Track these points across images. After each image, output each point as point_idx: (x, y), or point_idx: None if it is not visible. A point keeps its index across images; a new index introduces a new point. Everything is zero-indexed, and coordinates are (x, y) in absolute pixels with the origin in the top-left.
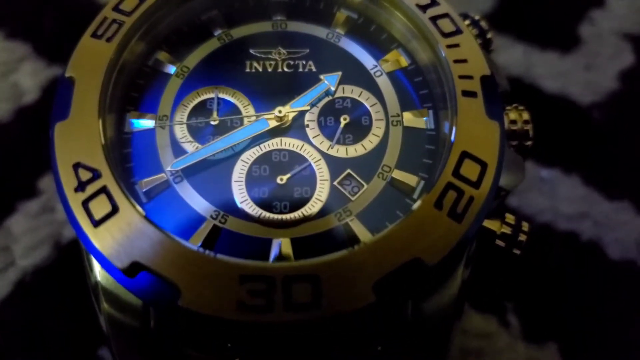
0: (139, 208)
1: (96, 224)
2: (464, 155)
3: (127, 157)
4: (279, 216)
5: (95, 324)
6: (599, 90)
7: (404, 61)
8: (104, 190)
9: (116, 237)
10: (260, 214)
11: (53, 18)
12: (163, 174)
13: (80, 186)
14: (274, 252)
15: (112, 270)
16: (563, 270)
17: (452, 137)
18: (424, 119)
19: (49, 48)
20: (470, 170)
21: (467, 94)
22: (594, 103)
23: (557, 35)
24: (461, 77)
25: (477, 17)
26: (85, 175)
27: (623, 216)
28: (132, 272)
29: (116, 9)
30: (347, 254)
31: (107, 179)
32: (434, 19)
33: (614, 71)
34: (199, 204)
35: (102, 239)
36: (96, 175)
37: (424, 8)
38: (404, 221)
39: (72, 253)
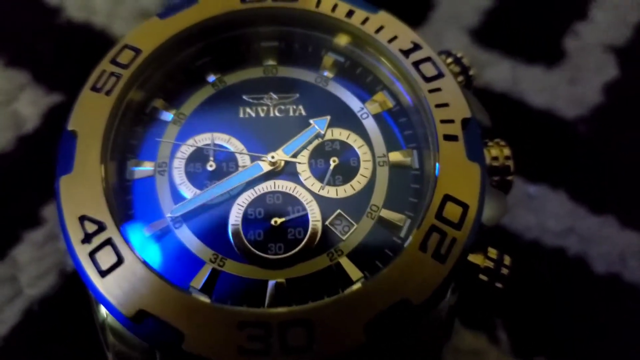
0: (143, 258)
1: (103, 274)
2: (447, 198)
3: (129, 204)
4: (274, 257)
5: (102, 354)
6: (584, 104)
7: (389, 103)
8: (109, 242)
9: (122, 287)
10: (257, 256)
11: (50, 44)
12: (164, 220)
13: (87, 238)
14: (269, 293)
15: (119, 317)
16: (551, 285)
17: (435, 182)
18: (409, 158)
19: (48, 75)
20: (452, 212)
21: (449, 137)
22: (579, 117)
23: (543, 49)
24: (443, 121)
25: (459, 55)
26: (91, 227)
27: (608, 230)
28: (138, 319)
29: (113, 61)
30: (338, 298)
31: (112, 231)
32: (416, 64)
33: (599, 84)
34: (198, 248)
35: (109, 288)
36: (101, 227)
37: (406, 53)
38: (392, 264)
39: (78, 282)
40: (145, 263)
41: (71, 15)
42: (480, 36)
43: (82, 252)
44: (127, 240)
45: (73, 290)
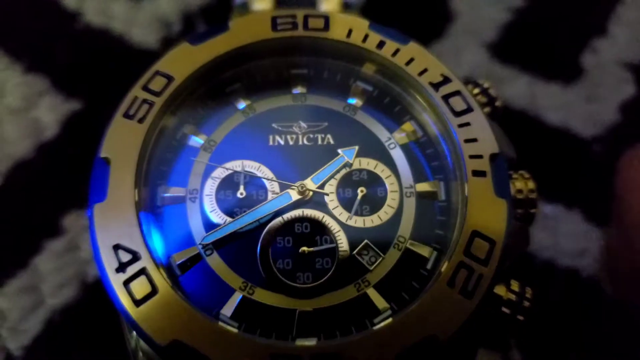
0: (176, 289)
1: (137, 303)
2: (474, 234)
3: (160, 231)
4: (303, 286)
5: None
6: (600, 122)
7: (417, 133)
8: (143, 271)
9: (156, 316)
10: (285, 285)
11: (69, 49)
12: (195, 247)
13: (121, 267)
14: (297, 322)
15: (152, 345)
16: (565, 306)
17: (464, 218)
18: (436, 190)
19: (67, 81)
20: (479, 248)
21: (477, 173)
22: (594, 137)
23: (561, 66)
24: (471, 156)
25: (486, 85)
26: (125, 256)
27: None
28: (172, 348)
29: (145, 88)
30: (367, 333)
31: (147, 261)
32: (446, 97)
33: (616, 102)
34: (228, 276)
35: (143, 317)
36: (135, 257)
37: (436, 86)
38: (420, 300)
39: (99, 291)
40: (178, 293)
41: (89, 20)
42: (499, 51)
43: (116, 281)
44: (160, 270)
45: (94, 300)
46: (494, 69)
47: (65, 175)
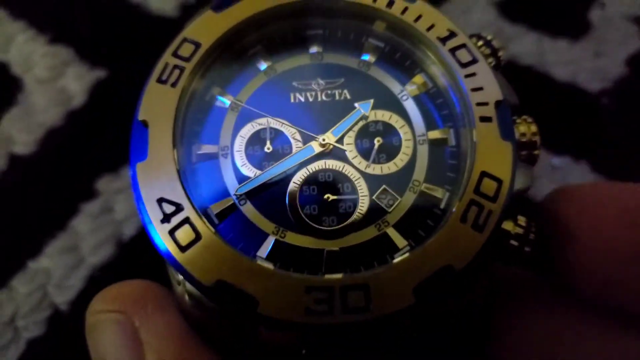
0: (217, 233)
1: (183, 249)
2: (483, 174)
3: (197, 185)
4: (328, 228)
5: None
6: (607, 76)
7: (427, 85)
8: (187, 221)
9: (201, 260)
10: (312, 228)
11: (89, 20)
12: (230, 198)
13: (166, 218)
14: (325, 260)
15: (199, 287)
16: None
17: (473, 160)
18: (447, 137)
19: (90, 50)
20: (488, 187)
21: (484, 119)
22: (602, 90)
23: (568, 22)
24: (478, 104)
25: (489, 37)
26: (169, 208)
27: None
28: (217, 288)
29: (175, 55)
30: (390, 265)
31: (189, 211)
32: (452, 51)
33: (623, 56)
34: (261, 222)
35: (189, 262)
36: (179, 208)
37: (443, 40)
38: (436, 235)
39: (135, 250)
40: (220, 236)
41: None
42: (507, 9)
43: (162, 231)
44: (202, 219)
45: (132, 257)
46: (503, 26)
47: (95, 140)
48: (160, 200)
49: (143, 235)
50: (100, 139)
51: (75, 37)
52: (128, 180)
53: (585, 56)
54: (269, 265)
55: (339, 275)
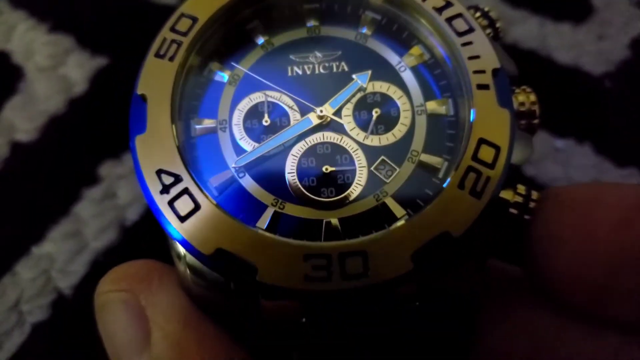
0: (217, 203)
1: (182, 219)
2: (481, 141)
3: (196, 159)
4: (327, 199)
5: None
6: (610, 59)
7: (425, 56)
8: (186, 191)
9: (200, 230)
10: (311, 199)
11: (88, 8)
12: (229, 171)
13: (165, 189)
14: (325, 230)
15: (198, 256)
16: None
17: (471, 127)
18: (444, 107)
19: (91, 38)
20: (486, 154)
21: (481, 87)
22: (605, 73)
23: (571, 5)
24: (475, 72)
25: (486, 9)
26: (168, 179)
27: (631, 182)
28: (216, 256)
29: (173, 29)
30: (388, 231)
31: (188, 182)
32: (449, 20)
33: (626, 40)
34: (260, 194)
35: (188, 231)
36: (177, 179)
37: (440, 10)
38: (434, 202)
39: (137, 235)
40: (219, 207)
41: None
42: None
43: (161, 201)
44: (201, 189)
45: (135, 241)
46: (505, 10)
47: (97, 127)
48: (160, 172)
49: (146, 220)
50: (101, 126)
51: (76, 26)
52: (130, 166)
53: (588, 39)
54: (267, 234)
55: (336, 243)
